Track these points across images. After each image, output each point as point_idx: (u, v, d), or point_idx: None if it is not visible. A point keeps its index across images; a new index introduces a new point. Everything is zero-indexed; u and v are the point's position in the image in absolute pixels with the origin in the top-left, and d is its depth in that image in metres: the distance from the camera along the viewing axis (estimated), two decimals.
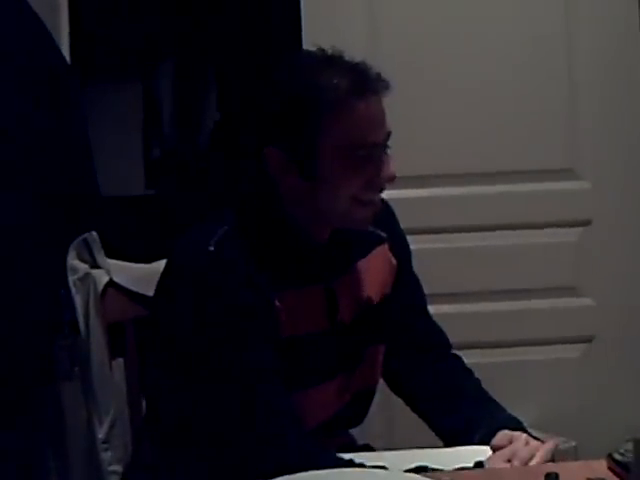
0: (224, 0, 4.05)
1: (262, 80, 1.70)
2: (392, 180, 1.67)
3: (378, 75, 1.66)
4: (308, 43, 2.78)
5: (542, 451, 1.64)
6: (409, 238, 1.90)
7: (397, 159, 2.79)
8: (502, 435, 1.68)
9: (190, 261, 1.63)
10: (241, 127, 1.75)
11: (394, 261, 1.82)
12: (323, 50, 1.68)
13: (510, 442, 1.66)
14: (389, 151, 1.69)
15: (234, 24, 4.01)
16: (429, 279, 1.93)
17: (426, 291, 1.91)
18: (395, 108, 2.82)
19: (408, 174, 2.88)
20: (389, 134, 1.68)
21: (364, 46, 2.80)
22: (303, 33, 2.87)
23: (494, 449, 1.67)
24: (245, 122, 1.72)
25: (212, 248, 1.60)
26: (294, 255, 1.66)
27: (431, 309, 1.92)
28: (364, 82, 1.64)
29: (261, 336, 1.60)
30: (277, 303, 1.61)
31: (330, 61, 1.67)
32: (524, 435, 1.68)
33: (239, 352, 1.59)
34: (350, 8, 2.89)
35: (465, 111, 2.91)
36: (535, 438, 1.70)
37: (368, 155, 1.63)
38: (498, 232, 2.94)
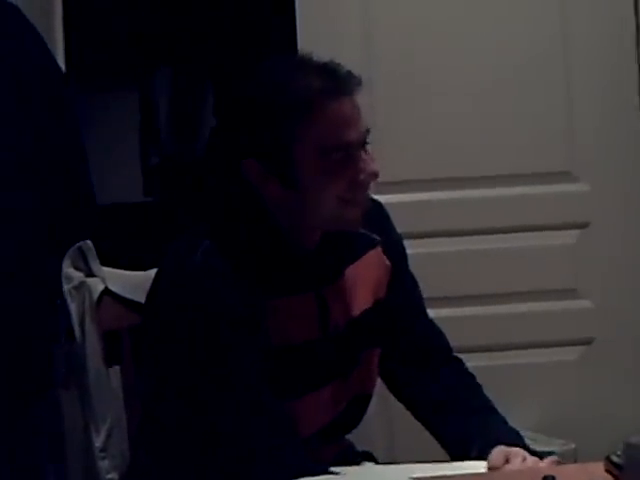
0: (221, 6, 4.05)
1: (235, 92, 1.69)
2: (375, 177, 1.63)
3: (349, 73, 1.63)
4: (304, 47, 2.78)
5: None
6: (408, 242, 1.89)
7: (397, 163, 2.83)
8: (499, 452, 1.64)
9: (178, 271, 1.62)
10: (221, 139, 1.74)
11: (388, 263, 1.80)
12: (290, 55, 1.66)
13: (507, 460, 1.63)
14: (373, 148, 1.65)
15: (230, 30, 4.02)
16: (428, 283, 1.93)
17: (425, 295, 1.90)
18: (393, 113, 2.86)
19: (407, 178, 2.90)
20: (367, 131, 1.64)
21: (358, 52, 2.81)
22: (298, 38, 2.87)
23: (490, 468, 1.63)
24: (225, 134, 1.71)
25: (199, 258, 1.59)
26: (283, 263, 1.65)
27: (430, 313, 1.91)
28: (335, 82, 1.61)
29: (251, 345, 1.59)
30: (268, 312, 1.60)
31: (298, 64, 1.65)
32: (521, 452, 1.65)
33: (230, 361, 1.58)
34: (345, 14, 2.89)
35: (463, 115, 2.91)
36: (533, 453, 1.67)
37: (347, 155, 1.60)
38: (497, 235, 2.94)
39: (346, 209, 1.63)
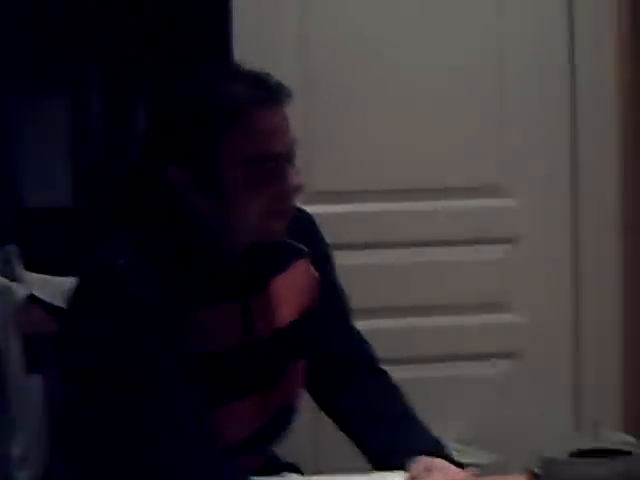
0: (157, 8, 4.03)
1: (164, 96, 1.68)
2: (299, 191, 1.63)
3: (279, 84, 1.62)
4: (238, 54, 2.78)
5: None
6: (337, 253, 1.90)
7: (326, 174, 2.83)
8: (420, 463, 1.66)
9: (99, 275, 1.60)
10: (150, 143, 1.72)
11: (316, 274, 1.80)
12: (222, 63, 1.66)
13: (428, 470, 1.64)
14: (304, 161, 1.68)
15: (167, 32, 4.00)
16: (357, 295, 1.93)
17: (354, 306, 1.91)
18: (324, 122, 2.86)
19: (335, 189, 2.91)
20: (294, 144, 1.63)
21: (294, 62, 2.80)
22: (233, 45, 2.86)
23: (412, 478, 1.65)
24: (154, 138, 1.69)
25: (122, 262, 1.58)
26: (208, 272, 1.64)
27: (359, 324, 1.91)
28: (264, 92, 1.60)
29: (171, 350, 1.57)
30: (191, 318, 1.59)
31: (229, 72, 1.66)
32: (443, 463, 1.66)
33: (147, 366, 1.56)
34: (281, 23, 2.87)
35: (393, 127, 2.92)
36: (456, 464, 1.68)
37: (273, 167, 1.60)
38: (425, 248, 2.96)
39: (269, 220, 1.62)
